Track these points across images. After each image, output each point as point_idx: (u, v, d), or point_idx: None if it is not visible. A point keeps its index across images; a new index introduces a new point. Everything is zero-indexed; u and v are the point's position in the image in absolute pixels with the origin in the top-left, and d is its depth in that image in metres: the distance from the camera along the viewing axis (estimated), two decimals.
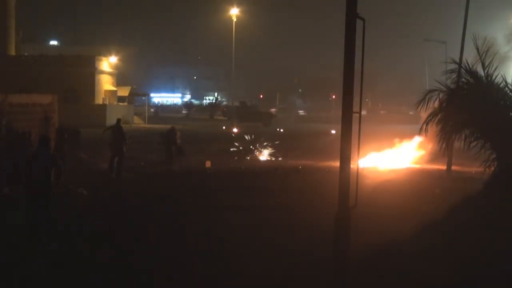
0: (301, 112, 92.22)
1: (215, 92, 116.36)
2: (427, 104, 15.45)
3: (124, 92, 58.67)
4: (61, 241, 11.79)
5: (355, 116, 9.35)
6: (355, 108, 9.36)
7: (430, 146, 23.69)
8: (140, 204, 16.11)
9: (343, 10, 9.28)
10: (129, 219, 14.17)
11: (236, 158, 28.03)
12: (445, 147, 15.24)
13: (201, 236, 12.51)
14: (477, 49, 14.69)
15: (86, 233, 12.61)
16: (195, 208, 15.59)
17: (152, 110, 68.41)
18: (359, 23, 9.32)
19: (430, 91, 15.49)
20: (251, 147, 29.68)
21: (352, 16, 9.36)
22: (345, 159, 9.45)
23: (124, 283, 9.74)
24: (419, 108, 15.60)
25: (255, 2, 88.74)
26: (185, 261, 10.73)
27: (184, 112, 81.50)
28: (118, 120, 22.26)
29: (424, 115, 16.00)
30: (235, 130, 46.04)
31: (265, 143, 29.82)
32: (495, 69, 14.75)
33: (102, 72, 55.94)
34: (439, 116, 15.23)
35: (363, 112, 14.44)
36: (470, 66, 15.02)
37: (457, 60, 16.70)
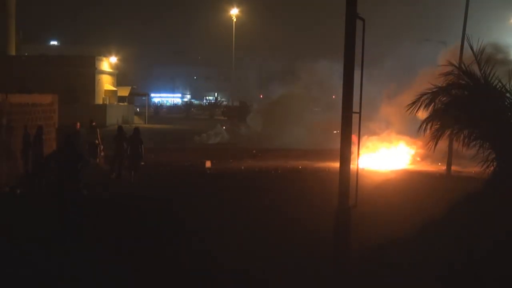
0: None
1: (215, 92, 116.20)
2: (418, 108, 14.97)
3: (124, 92, 58.67)
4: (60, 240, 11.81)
5: (355, 116, 9.37)
6: (355, 108, 9.38)
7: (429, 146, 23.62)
8: (137, 204, 16.15)
9: (343, 10, 9.31)
10: (129, 219, 14.18)
11: (236, 158, 28.03)
12: (437, 147, 15.06)
13: (193, 239, 12.46)
14: (472, 50, 14.53)
15: (84, 232, 12.62)
16: (192, 208, 15.60)
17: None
18: (359, 23, 9.35)
19: (424, 93, 15.10)
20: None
21: (352, 16, 9.38)
22: (345, 159, 9.47)
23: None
24: (409, 111, 15.04)
25: (255, 2, 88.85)
26: (182, 261, 10.76)
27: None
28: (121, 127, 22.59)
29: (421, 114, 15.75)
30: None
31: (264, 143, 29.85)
32: (492, 68, 14.66)
33: (102, 72, 55.92)
34: (439, 117, 15.09)
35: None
36: (467, 67, 14.94)
37: (455, 61, 16.54)
